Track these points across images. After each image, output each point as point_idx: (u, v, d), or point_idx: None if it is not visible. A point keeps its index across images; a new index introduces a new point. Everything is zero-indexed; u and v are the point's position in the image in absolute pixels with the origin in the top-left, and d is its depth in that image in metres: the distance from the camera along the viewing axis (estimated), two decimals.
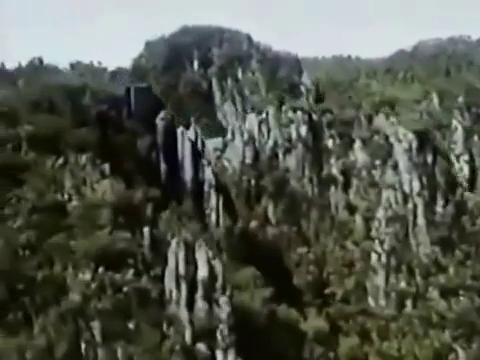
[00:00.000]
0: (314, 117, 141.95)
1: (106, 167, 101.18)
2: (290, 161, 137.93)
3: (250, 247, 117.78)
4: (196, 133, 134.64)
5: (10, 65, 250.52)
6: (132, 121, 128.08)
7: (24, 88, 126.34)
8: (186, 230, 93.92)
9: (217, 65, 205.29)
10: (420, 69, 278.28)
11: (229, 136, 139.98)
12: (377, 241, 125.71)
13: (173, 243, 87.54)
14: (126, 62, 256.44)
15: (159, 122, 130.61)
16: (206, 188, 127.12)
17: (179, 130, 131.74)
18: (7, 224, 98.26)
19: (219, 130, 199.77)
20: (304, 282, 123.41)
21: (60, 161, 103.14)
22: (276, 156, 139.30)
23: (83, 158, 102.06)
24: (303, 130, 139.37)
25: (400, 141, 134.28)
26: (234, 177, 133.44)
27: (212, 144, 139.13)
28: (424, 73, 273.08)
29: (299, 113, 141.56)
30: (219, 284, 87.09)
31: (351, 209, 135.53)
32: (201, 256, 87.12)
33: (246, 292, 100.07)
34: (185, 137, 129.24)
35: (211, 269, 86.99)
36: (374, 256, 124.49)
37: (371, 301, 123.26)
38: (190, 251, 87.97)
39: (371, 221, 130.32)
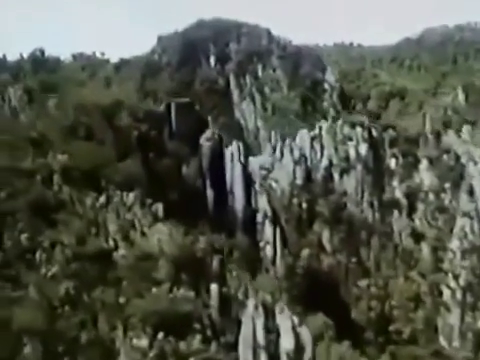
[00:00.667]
0: (374, 133, 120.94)
1: (159, 208, 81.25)
2: (348, 183, 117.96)
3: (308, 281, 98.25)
4: (239, 150, 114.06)
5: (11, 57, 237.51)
6: (175, 143, 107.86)
7: (55, 109, 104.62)
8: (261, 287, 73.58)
9: (235, 61, 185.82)
10: (427, 57, 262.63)
11: (277, 154, 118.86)
12: (451, 275, 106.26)
13: (250, 306, 69.93)
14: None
15: (204, 143, 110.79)
16: (260, 218, 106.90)
17: (228, 151, 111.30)
18: (40, 272, 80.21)
19: (237, 130, 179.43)
20: (365, 317, 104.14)
21: (102, 199, 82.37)
22: (331, 177, 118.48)
23: (130, 197, 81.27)
24: (363, 148, 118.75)
25: (476, 163, 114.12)
26: (283, 200, 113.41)
27: (257, 162, 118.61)
28: (431, 61, 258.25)
29: (358, 129, 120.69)
30: (307, 357, 67.28)
31: (417, 237, 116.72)
32: (284, 322, 67.20)
33: (320, 345, 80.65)
34: (235, 159, 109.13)
35: (297, 338, 68.80)
36: (447, 291, 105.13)
37: (443, 342, 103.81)
38: (269, 315, 67.15)
39: (440, 251, 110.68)
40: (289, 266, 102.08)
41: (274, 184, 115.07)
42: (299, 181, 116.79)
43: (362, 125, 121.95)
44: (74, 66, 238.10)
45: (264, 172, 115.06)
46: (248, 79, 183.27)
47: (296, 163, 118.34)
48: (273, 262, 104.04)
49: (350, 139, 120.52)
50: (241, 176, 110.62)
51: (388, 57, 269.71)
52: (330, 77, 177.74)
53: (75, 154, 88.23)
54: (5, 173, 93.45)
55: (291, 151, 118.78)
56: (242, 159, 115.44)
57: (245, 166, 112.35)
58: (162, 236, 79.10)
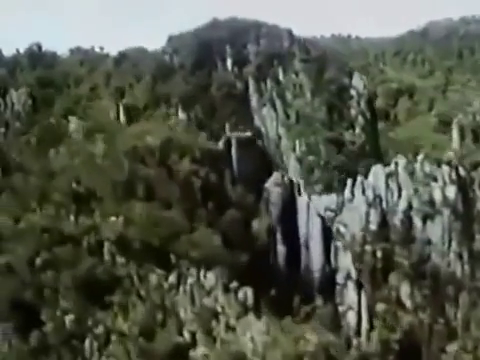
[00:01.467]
0: (462, 173, 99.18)
1: (248, 294, 59.34)
2: (432, 230, 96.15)
3: None
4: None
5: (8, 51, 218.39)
6: (239, 189, 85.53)
7: (102, 158, 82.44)
8: None
9: (254, 64, 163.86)
10: (431, 51, 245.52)
11: (347, 193, 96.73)
12: None
13: None
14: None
15: (273, 188, 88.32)
16: (341, 279, 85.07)
17: (302, 199, 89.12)
18: None
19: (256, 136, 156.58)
20: None
21: (171, 278, 60.56)
22: (411, 223, 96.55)
23: (210, 277, 59.49)
24: (450, 191, 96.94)
25: None
26: (354, 247, 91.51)
27: (323, 202, 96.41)
28: (436, 56, 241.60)
29: (444, 167, 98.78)
30: None
31: None
32: None
33: None
34: (311, 209, 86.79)
35: None
36: None
37: None
38: None
39: None
40: (383, 341, 79.91)
41: (343, 229, 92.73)
42: (373, 226, 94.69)
43: (449, 163, 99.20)
44: (72, 61, 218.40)
45: (330, 214, 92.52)
46: (269, 83, 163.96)
47: (369, 205, 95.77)
48: (358, 332, 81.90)
49: (434, 179, 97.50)
50: (320, 230, 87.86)
51: (391, 50, 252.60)
52: (358, 82, 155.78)
53: (133, 218, 65.26)
54: (41, 233, 70.74)
55: (363, 190, 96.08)
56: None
57: (323, 218, 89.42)
58: (256, 334, 56.91)
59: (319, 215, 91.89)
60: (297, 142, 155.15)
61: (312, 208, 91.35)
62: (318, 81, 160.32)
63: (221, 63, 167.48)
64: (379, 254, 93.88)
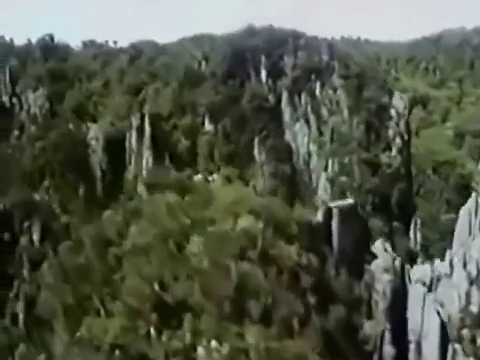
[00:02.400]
0: None
1: None
2: None
3: None
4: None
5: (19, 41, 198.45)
6: (342, 277, 53.92)
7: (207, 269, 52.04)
8: None
9: (290, 77, 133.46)
10: (442, 60, 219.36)
11: (444, 266, 65.14)
12: None
13: None
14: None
15: (380, 274, 57.39)
16: None
17: (417, 290, 57.96)
18: None
19: (286, 153, 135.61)
20: None
21: None
22: None
23: None
24: None
25: None
26: (449, 330, 60.47)
27: (414, 274, 64.88)
28: (447, 65, 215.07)
29: None
30: None
31: None
32: None
33: None
34: (428, 302, 56.17)
35: None
36: None
37: None
38: None
39: None
40: None
41: (438, 308, 61.64)
42: (474, 308, 63.27)
43: None
44: (85, 54, 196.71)
45: (422, 289, 61.48)
46: (303, 98, 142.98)
47: (472, 282, 64.37)
48: None
49: None
50: (437, 328, 57.41)
51: (404, 57, 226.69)
52: (398, 102, 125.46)
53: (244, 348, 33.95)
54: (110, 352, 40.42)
55: (464, 264, 64.65)
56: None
57: (439, 312, 58.45)
58: None
59: (437, 312, 60.66)
60: (330, 161, 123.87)
61: (428, 300, 60.41)
62: (357, 99, 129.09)
63: (254, 73, 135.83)
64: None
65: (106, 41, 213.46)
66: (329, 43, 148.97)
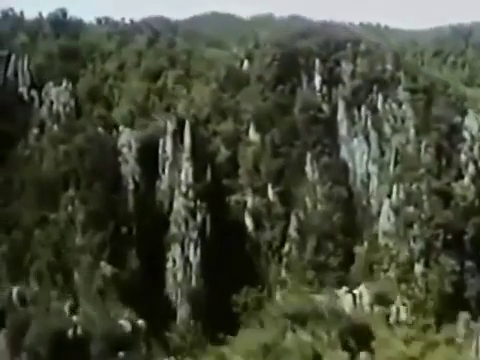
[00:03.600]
0: None
1: None
2: None
3: None
4: None
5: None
6: None
7: None
8: None
9: (348, 86, 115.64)
10: (471, 54, 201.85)
11: None
12: None
13: None
14: None
15: None
16: None
17: None
18: None
19: (341, 172, 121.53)
20: None
21: None
22: None
23: None
24: None
25: None
26: None
27: None
28: (476, 59, 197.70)
29: None
30: None
31: None
32: None
33: None
34: None
35: None
36: None
37: None
38: None
39: None
40: None
41: None
42: None
43: None
44: (99, 32, 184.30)
45: None
46: (363, 111, 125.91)
47: None
48: None
49: None
50: None
51: (430, 49, 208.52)
52: (472, 123, 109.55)
53: None
54: None
55: None
56: None
57: None
58: None
59: None
60: (394, 187, 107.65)
61: None
62: (425, 116, 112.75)
63: (307, 80, 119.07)
64: None
65: (122, 19, 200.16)
66: (394, 52, 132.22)
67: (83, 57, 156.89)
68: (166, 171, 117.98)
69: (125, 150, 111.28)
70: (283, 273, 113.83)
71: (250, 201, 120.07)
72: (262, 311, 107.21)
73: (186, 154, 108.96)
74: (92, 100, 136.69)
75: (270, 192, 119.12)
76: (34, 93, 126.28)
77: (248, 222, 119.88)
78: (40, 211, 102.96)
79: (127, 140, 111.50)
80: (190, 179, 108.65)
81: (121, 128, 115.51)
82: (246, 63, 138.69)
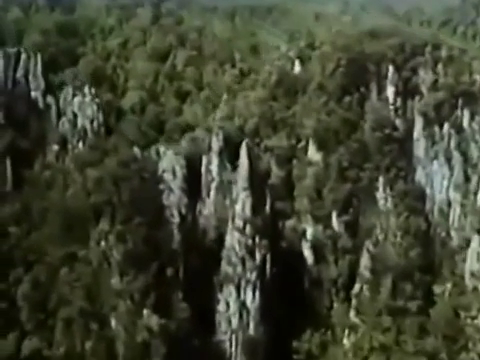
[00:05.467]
0: None
1: None
2: None
3: None
4: None
5: None
6: None
7: None
8: None
9: (427, 98, 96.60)
10: None
11: None
12: None
13: None
14: None
15: None
16: None
17: None
18: None
19: (417, 199, 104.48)
20: None
21: None
22: None
23: None
24: None
25: None
26: None
27: None
28: None
29: None
30: None
31: None
32: None
33: None
34: None
35: None
36: None
37: None
38: None
39: None
40: None
41: None
42: None
43: None
44: (96, 5, 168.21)
45: None
46: (446, 129, 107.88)
47: None
48: None
49: None
50: None
51: (439, 18, 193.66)
52: None
53: None
54: None
55: None
56: None
57: None
58: None
59: None
60: None
61: None
62: None
63: (377, 89, 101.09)
64: None
65: None
66: None
67: (81, 33, 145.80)
68: (211, 196, 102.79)
69: (168, 176, 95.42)
70: (352, 315, 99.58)
71: (310, 230, 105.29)
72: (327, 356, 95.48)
73: (243, 183, 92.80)
74: (96, 82, 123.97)
75: (335, 221, 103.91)
76: (51, 100, 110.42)
77: (307, 254, 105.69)
78: (66, 246, 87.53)
79: (170, 165, 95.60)
80: (248, 212, 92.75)
81: (162, 149, 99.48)
82: (297, 64, 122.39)
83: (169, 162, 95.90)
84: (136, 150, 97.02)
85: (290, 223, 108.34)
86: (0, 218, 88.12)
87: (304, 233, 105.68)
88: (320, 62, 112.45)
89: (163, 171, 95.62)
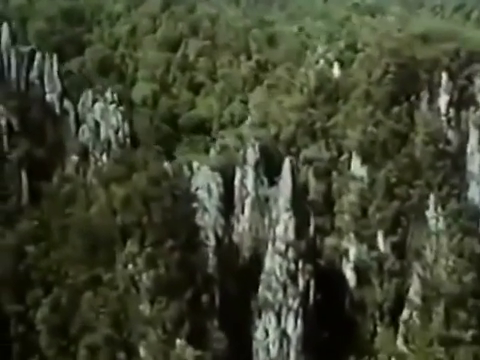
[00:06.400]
0: None
1: None
2: None
3: None
4: None
5: None
6: None
7: None
8: None
9: None
10: None
11: None
12: None
13: None
14: None
15: None
16: None
17: None
18: None
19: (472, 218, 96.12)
20: None
21: None
22: None
23: None
24: None
25: None
26: None
27: None
28: None
29: None
30: None
31: None
32: None
33: None
34: None
35: None
36: None
37: None
38: None
39: None
40: None
41: None
42: None
43: None
44: None
45: None
46: None
47: None
48: None
49: None
50: None
51: (451, 2, 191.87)
52: None
53: None
54: None
55: None
56: None
57: None
58: None
59: None
60: None
61: None
62: None
63: (428, 97, 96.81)
64: None
65: None
66: None
67: (88, 20, 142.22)
68: (246, 212, 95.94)
69: (202, 194, 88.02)
70: (399, 343, 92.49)
71: (353, 250, 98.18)
72: None
73: (285, 203, 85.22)
74: (104, 72, 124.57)
75: (381, 241, 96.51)
76: (68, 105, 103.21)
77: (349, 275, 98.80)
78: (90, 268, 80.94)
79: (205, 181, 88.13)
80: (291, 235, 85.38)
81: (195, 164, 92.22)
82: (336, 67, 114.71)
83: (204, 179, 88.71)
84: (167, 165, 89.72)
85: (330, 241, 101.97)
86: (16, 235, 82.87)
87: (346, 253, 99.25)
88: (365, 67, 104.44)
89: (197, 188, 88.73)
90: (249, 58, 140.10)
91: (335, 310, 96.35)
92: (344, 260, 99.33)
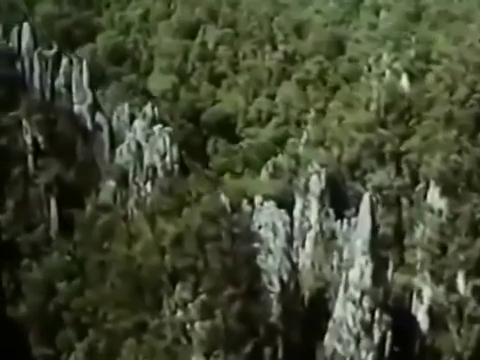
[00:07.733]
0: None
1: None
2: None
3: None
4: None
5: None
6: None
7: None
8: None
9: None
10: None
11: None
12: None
13: None
14: None
15: None
16: None
17: None
18: None
19: None
20: None
21: None
22: None
23: None
24: None
25: None
26: None
27: None
28: None
29: None
30: None
31: None
32: None
33: None
34: None
35: None
36: None
37: None
38: None
39: None
40: None
41: None
42: None
43: None
44: None
45: None
46: None
47: None
48: None
49: None
50: None
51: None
52: None
53: None
54: None
55: None
56: None
57: None
58: None
59: None
60: None
61: None
62: None
63: None
64: None
65: None
66: None
67: (96, 2, 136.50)
68: (307, 247, 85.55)
69: (266, 233, 77.39)
70: None
71: (428, 291, 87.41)
72: None
73: (363, 246, 74.67)
74: (116, 61, 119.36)
75: (461, 285, 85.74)
76: (101, 119, 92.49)
77: (422, 318, 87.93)
78: (132, 312, 71.07)
79: (270, 219, 77.43)
80: (367, 282, 74.93)
81: (257, 200, 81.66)
82: (405, 79, 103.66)
83: (268, 216, 78.11)
84: (224, 198, 78.98)
85: (399, 278, 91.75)
86: (45, 270, 74.90)
87: (419, 293, 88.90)
88: (445, 83, 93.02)
89: (259, 227, 78.11)
90: (274, 48, 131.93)
91: (404, 355, 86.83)
92: (416, 301, 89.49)
